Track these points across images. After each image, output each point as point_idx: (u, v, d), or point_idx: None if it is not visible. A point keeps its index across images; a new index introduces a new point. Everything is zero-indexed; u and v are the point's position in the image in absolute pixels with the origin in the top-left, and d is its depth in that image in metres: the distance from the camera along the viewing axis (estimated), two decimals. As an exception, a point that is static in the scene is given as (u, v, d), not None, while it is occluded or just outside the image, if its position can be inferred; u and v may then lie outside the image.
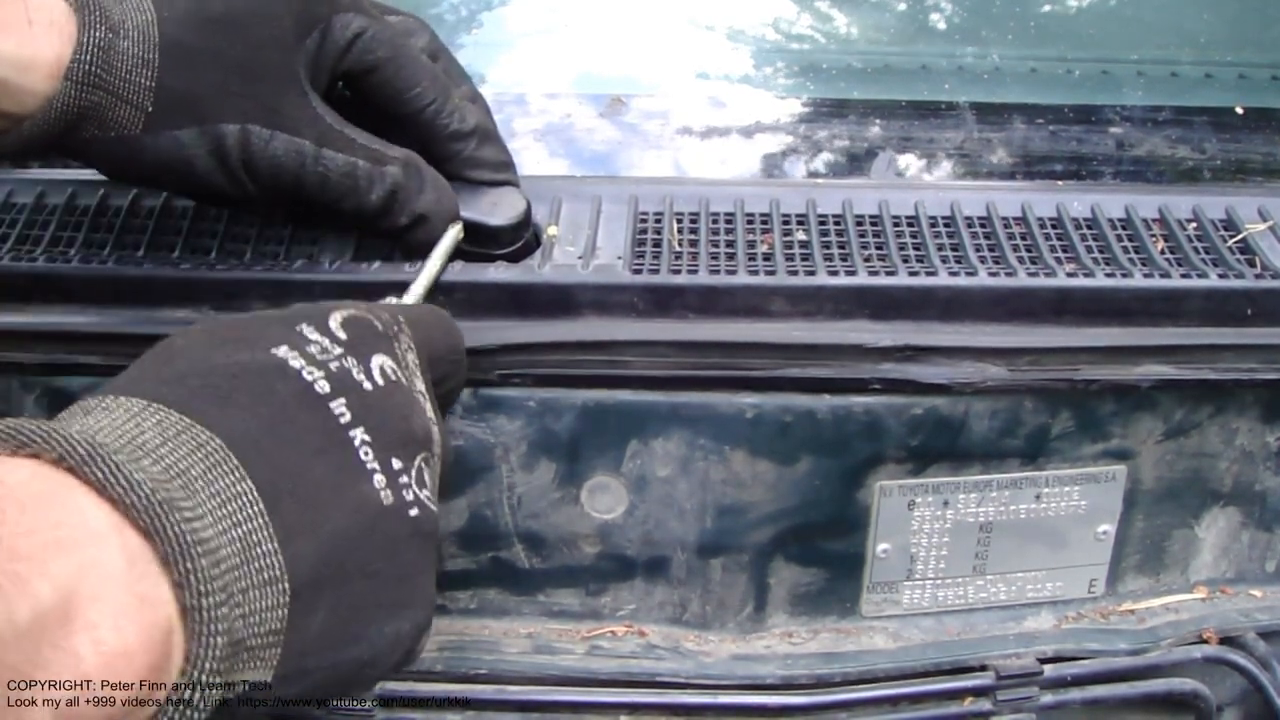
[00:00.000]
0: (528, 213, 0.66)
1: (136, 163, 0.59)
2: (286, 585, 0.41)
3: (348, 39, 0.60)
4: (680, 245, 0.67)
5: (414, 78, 0.62)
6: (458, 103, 0.64)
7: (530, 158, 0.81)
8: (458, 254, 0.65)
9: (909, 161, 0.81)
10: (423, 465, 0.48)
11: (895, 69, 0.95)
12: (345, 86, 0.64)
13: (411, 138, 0.64)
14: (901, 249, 0.67)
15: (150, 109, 0.57)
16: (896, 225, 0.69)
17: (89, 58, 0.55)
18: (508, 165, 0.67)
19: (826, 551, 0.69)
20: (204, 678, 0.38)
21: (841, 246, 0.67)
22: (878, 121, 0.87)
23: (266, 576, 0.41)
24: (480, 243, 0.65)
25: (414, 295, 0.60)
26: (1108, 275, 0.65)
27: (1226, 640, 0.70)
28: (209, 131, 0.58)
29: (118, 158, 0.59)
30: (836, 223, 0.69)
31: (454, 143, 0.64)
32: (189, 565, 0.37)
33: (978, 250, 0.67)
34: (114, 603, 0.35)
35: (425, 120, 0.63)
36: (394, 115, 0.63)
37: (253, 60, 0.58)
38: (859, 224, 0.69)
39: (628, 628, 0.71)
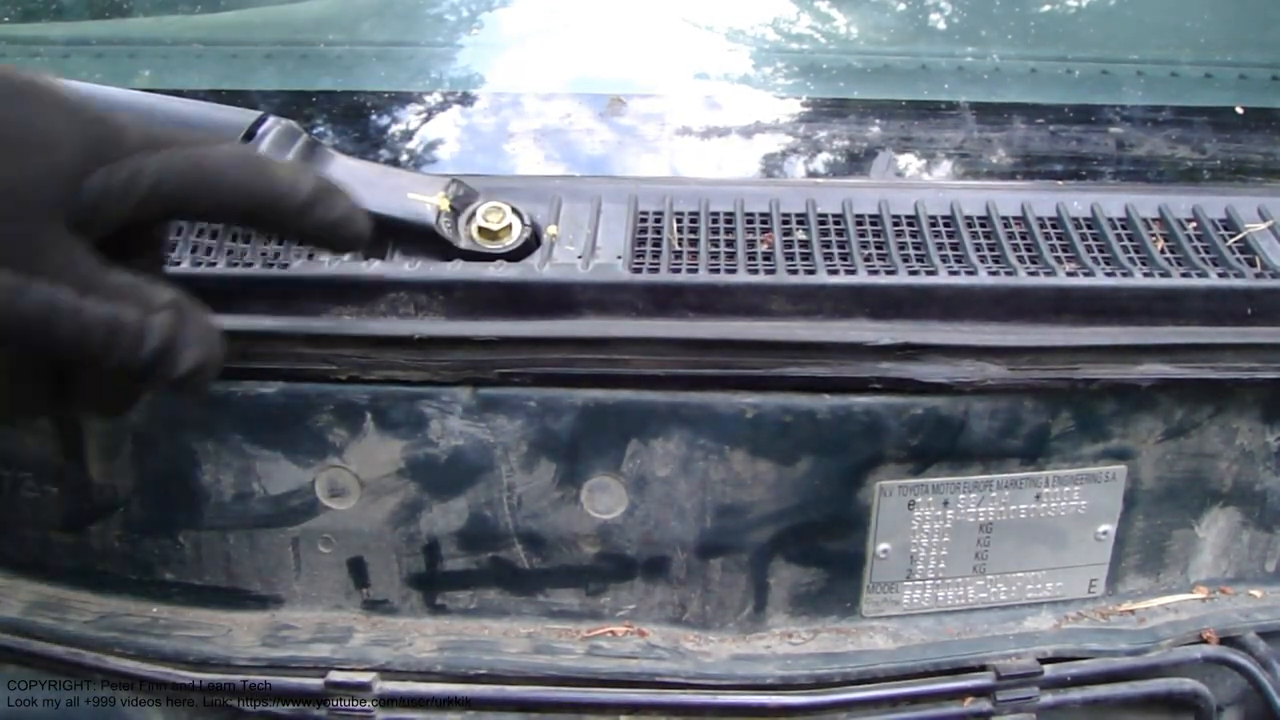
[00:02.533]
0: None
1: None
2: None
3: (143, 188, 0.51)
4: (680, 244, 0.67)
5: (233, 185, 0.54)
6: (284, 176, 0.56)
7: (530, 158, 0.81)
8: (457, 253, 0.65)
9: (909, 161, 0.81)
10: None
11: (895, 69, 0.95)
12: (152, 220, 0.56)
13: (250, 225, 0.59)
14: (901, 248, 0.67)
15: None
16: (896, 225, 0.69)
17: None
18: (354, 210, 0.58)
19: (826, 551, 0.69)
20: None
21: (841, 246, 0.67)
22: (878, 121, 0.87)
23: None
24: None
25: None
26: (1108, 275, 0.65)
27: (1226, 640, 0.70)
28: None
29: None
30: (836, 222, 0.69)
31: (305, 216, 0.56)
32: None
33: (978, 250, 0.67)
34: None
35: (267, 212, 0.55)
36: (223, 221, 0.58)
37: (18, 193, 0.48)
38: (859, 223, 0.69)
39: (628, 628, 0.71)
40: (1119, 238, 0.68)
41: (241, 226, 0.59)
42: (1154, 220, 0.70)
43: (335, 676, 0.65)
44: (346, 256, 0.66)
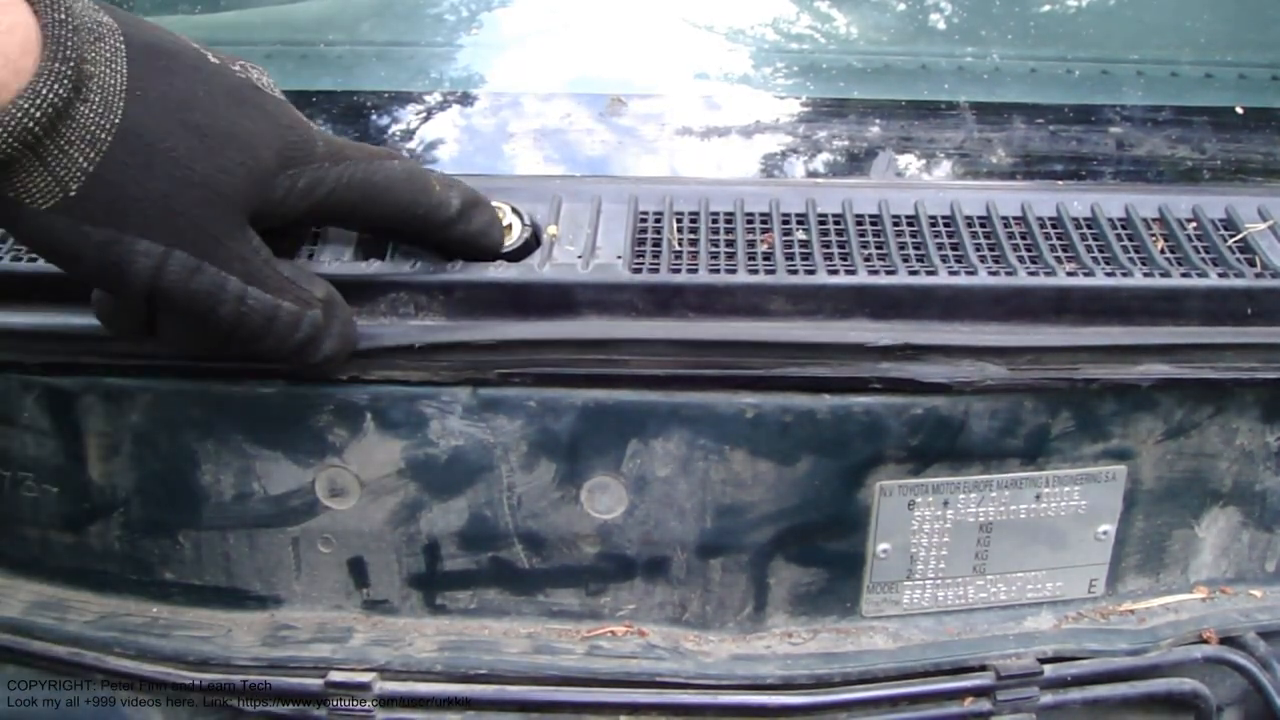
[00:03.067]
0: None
1: (25, 232, 0.51)
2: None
3: (319, 195, 0.57)
4: (680, 245, 0.67)
5: (395, 201, 0.60)
6: (439, 193, 0.61)
7: (530, 158, 0.81)
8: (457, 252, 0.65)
9: (909, 161, 0.81)
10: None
11: (895, 69, 0.95)
12: (318, 222, 0.62)
13: (399, 236, 0.64)
14: (901, 248, 0.67)
15: (73, 192, 0.49)
16: (896, 225, 0.69)
17: (35, 111, 0.47)
18: (497, 222, 0.65)
19: (826, 551, 0.69)
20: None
21: (841, 246, 0.67)
22: (878, 121, 0.87)
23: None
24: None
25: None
26: (1108, 274, 0.65)
27: (1226, 640, 0.70)
28: (122, 243, 0.51)
29: (5, 217, 0.51)
30: (836, 222, 0.69)
31: (448, 229, 0.62)
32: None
33: (978, 250, 0.67)
34: None
35: (416, 226, 0.62)
36: (380, 228, 0.63)
37: (214, 181, 0.52)
38: (859, 223, 0.69)
39: (628, 628, 0.71)
40: (1119, 238, 0.68)
41: (390, 236, 0.63)
42: (1154, 220, 0.70)
43: (335, 676, 0.65)
44: (347, 256, 0.66)
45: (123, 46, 0.50)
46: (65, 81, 0.48)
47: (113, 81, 0.50)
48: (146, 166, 0.50)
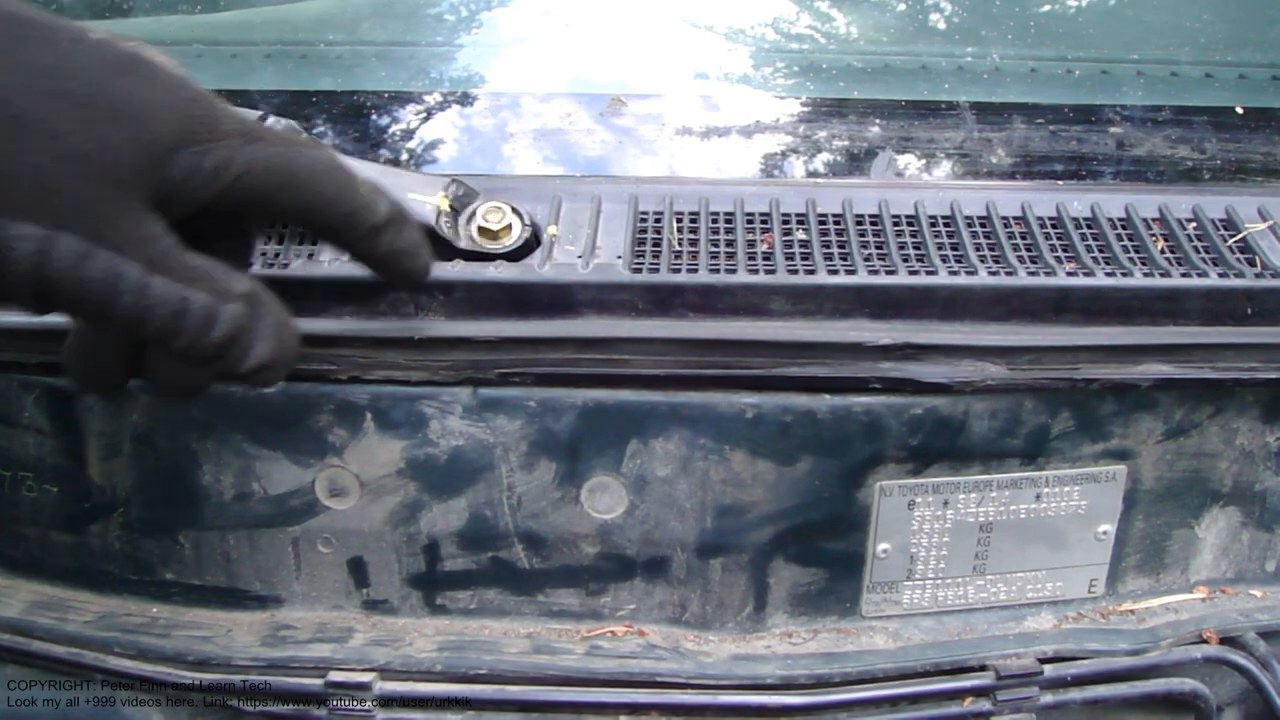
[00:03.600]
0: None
1: None
2: None
3: (229, 177, 0.51)
4: (680, 244, 0.67)
5: (317, 193, 0.54)
6: (366, 195, 0.56)
7: (530, 158, 0.81)
8: (457, 253, 0.65)
9: (909, 161, 0.81)
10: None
11: (895, 69, 0.95)
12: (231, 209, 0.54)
13: (320, 235, 0.58)
14: (901, 248, 0.67)
15: None
16: (896, 225, 0.69)
17: None
18: (422, 243, 0.59)
19: (826, 551, 0.69)
20: None
21: (841, 246, 0.67)
22: (878, 121, 0.87)
23: None
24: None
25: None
26: (1108, 274, 0.65)
27: (1226, 640, 0.70)
28: None
29: None
30: (836, 222, 0.69)
31: (374, 239, 0.56)
32: None
33: (978, 249, 0.67)
34: None
35: (339, 226, 0.56)
36: (296, 224, 0.57)
37: (98, 155, 0.47)
38: (859, 223, 0.69)
39: (628, 628, 0.71)
40: (1119, 238, 0.68)
41: (312, 233, 0.58)
42: (1154, 220, 0.70)
43: (335, 676, 0.65)
44: (347, 256, 0.66)
45: None
46: None
47: None
48: (14, 140, 0.45)
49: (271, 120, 0.64)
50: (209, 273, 0.51)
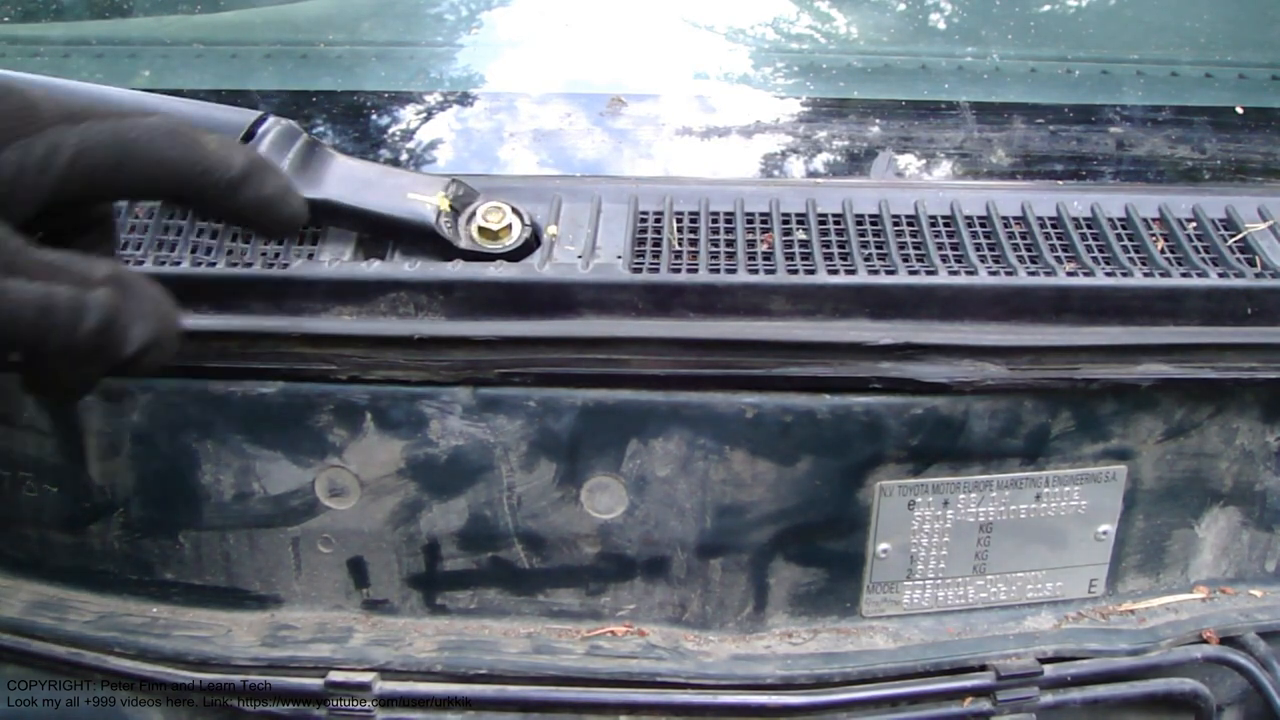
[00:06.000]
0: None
1: None
2: None
3: (62, 163, 0.48)
4: (680, 244, 0.67)
5: (161, 159, 0.51)
6: (215, 150, 0.53)
7: (530, 158, 0.81)
8: (457, 253, 0.65)
9: (909, 161, 0.81)
10: None
11: (895, 69, 0.95)
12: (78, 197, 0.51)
13: (180, 203, 0.56)
14: (901, 248, 0.67)
15: None
16: (896, 224, 0.69)
17: None
18: (288, 189, 0.56)
19: (826, 551, 0.69)
20: None
21: (841, 246, 0.67)
22: (878, 121, 0.87)
23: None
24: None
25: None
26: (1108, 274, 0.65)
27: (1226, 640, 0.70)
28: None
29: None
30: (836, 222, 0.69)
31: (235, 194, 0.53)
32: None
33: (978, 249, 0.67)
34: None
35: (195, 187, 0.52)
36: (151, 198, 0.55)
37: None
38: (859, 223, 0.69)
39: (628, 628, 0.71)
40: (1119, 238, 0.68)
41: (170, 204, 0.56)
42: (1154, 220, 0.70)
43: (335, 676, 0.65)
44: (347, 256, 0.66)
45: None
46: None
47: None
48: None
49: (271, 120, 0.64)
50: (67, 264, 0.48)
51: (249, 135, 0.63)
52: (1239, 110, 0.89)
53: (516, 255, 0.66)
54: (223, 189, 0.52)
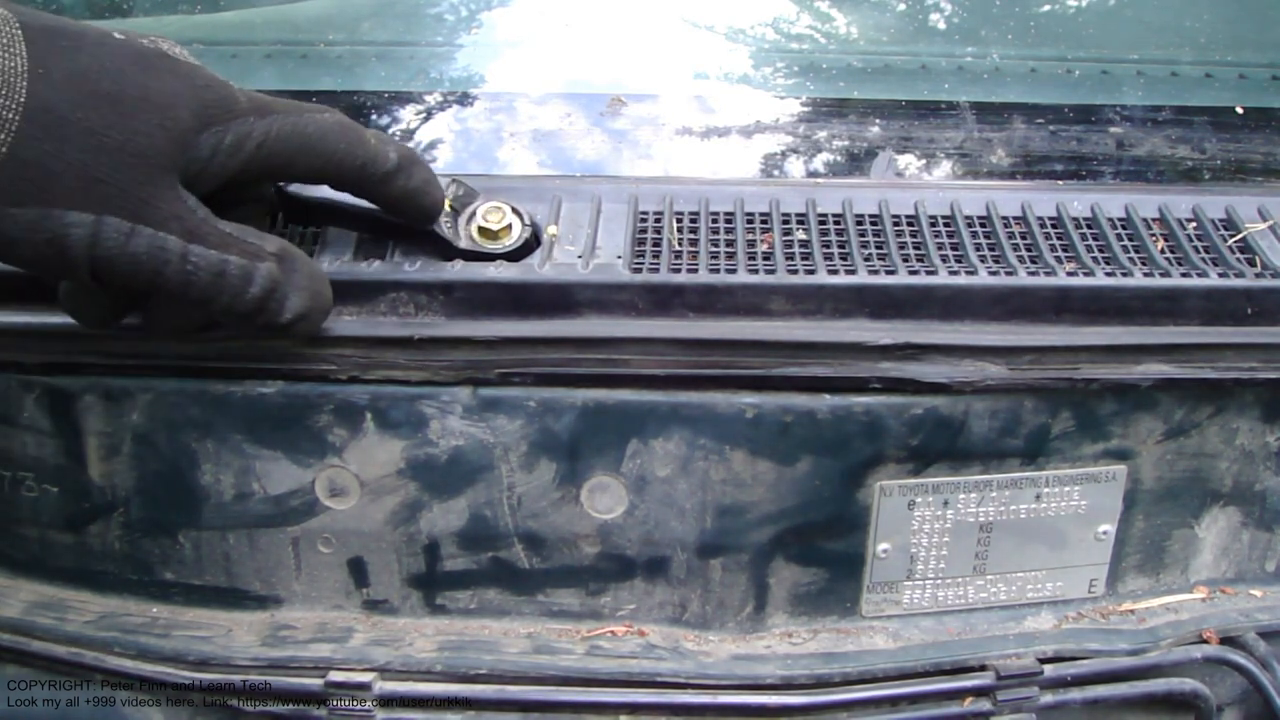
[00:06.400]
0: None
1: None
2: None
3: (249, 149, 0.57)
4: (680, 244, 0.67)
5: (330, 151, 0.60)
6: (375, 146, 0.61)
7: (530, 158, 0.81)
8: (457, 253, 0.65)
9: (909, 161, 0.81)
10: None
11: (895, 69, 0.95)
12: (255, 177, 0.60)
13: (341, 189, 0.63)
14: (901, 248, 0.67)
15: None
16: (896, 224, 0.69)
17: None
18: (432, 181, 0.65)
19: (826, 551, 0.69)
20: None
21: (841, 246, 0.67)
22: (878, 121, 0.87)
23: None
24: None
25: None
26: (1108, 274, 0.65)
27: (1226, 640, 0.70)
28: (51, 219, 0.52)
29: None
30: (836, 222, 0.69)
31: (388, 184, 0.62)
32: None
33: (978, 249, 0.67)
34: None
35: (354, 177, 0.61)
36: (317, 182, 0.62)
37: (131, 145, 0.53)
38: (859, 223, 0.69)
39: (628, 628, 0.71)
40: (1119, 238, 0.68)
41: (333, 188, 0.63)
42: (1154, 220, 0.70)
43: (335, 676, 0.65)
44: (347, 256, 0.66)
45: (19, 32, 0.52)
46: None
47: (11, 64, 0.51)
48: (61, 139, 0.51)
49: None
50: (242, 237, 0.57)
51: None
52: (1239, 110, 0.89)
53: (516, 255, 0.66)
54: (378, 180, 0.62)
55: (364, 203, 0.65)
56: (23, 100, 0.50)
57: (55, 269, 0.54)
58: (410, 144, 0.82)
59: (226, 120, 0.56)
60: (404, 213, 0.64)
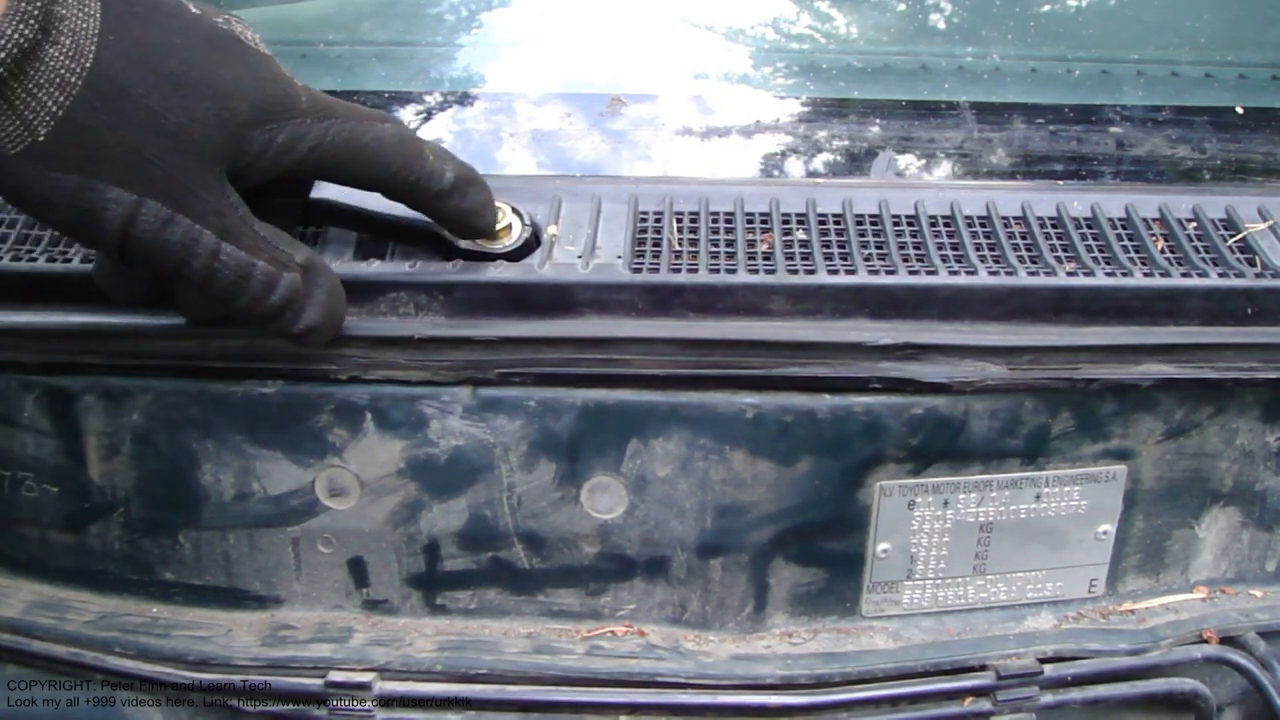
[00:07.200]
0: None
1: None
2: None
3: (301, 151, 0.56)
4: (680, 244, 0.67)
5: (385, 164, 0.59)
6: (432, 163, 0.61)
7: (530, 158, 0.81)
8: (457, 253, 0.65)
9: (909, 161, 0.81)
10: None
11: (895, 69, 0.95)
12: (305, 177, 0.61)
13: (394, 199, 0.62)
14: (901, 248, 0.67)
15: (41, 137, 0.49)
16: (896, 224, 0.69)
17: (2, 54, 0.47)
18: (492, 205, 0.64)
19: (826, 551, 0.69)
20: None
21: (841, 246, 0.67)
22: (878, 121, 0.87)
23: None
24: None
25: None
26: (1108, 274, 0.65)
27: (1226, 640, 0.70)
28: (94, 190, 0.50)
29: None
30: (836, 222, 0.69)
31: (440, 202, 0.62)
32: None
33: (978, 249, 0.67)
34: None
35: (406, 192, 0.61)
36: (370, 189, 0.61)
37: (186, 131, 0.51)
38: (859, 223, 0.69)
39: (628, 628, 0.71)
40: (1119, 238, 0.68)
41: (386, 197, 0.62)
42: (1154, 220, 0.70)
43: (335, 676, 0.65)
44: (347, 256, 0.66)
45: None
46: (31, 22, 0.47)
47: (84, 25, 0.49)
48: (118, 113, 0.50)
49: None
50: (273, 242, 0.56)
51: None
52: (1239, 110, 0.89)
53: (516, 255, 0.66)
54: (430, 197, 0.61)
55: (364, 203, 0.65)
56: (89, 65, 0.49)
57: (86, 238, 0.54)
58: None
59: (284, 119, 0.55)
60: (455, 230, 0.64)
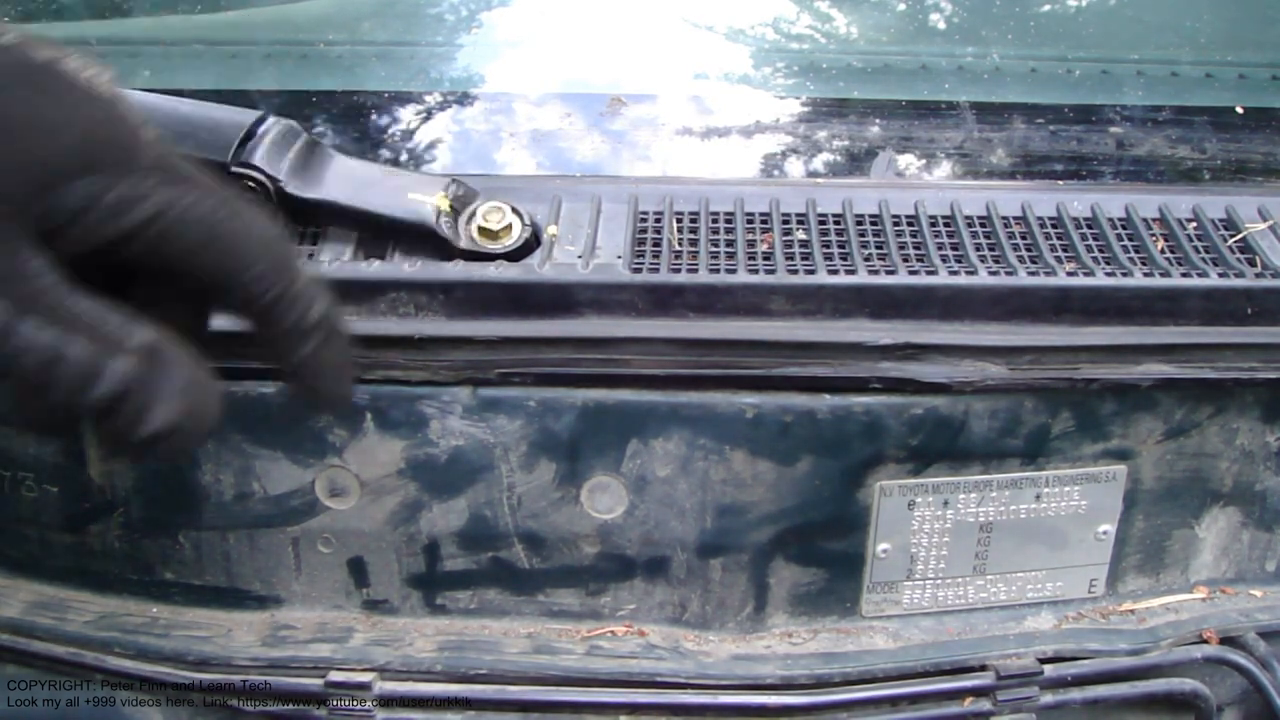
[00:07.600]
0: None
1: None
2: None
3: (139, 218, 0.43)
4: (680, 244, 0.67)
5: (243, 264, 0.45)
6: (302, 286, 0.47)
7: (530, 158, 0.81)
8: (457, 252, 0.65)
9: (909, 161, 0.81)
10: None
11: (895, 69, 0.95)
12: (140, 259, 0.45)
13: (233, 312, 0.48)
14: (901, 248, 0.67)
15: None
16: (896, 224, 0.69)
17: None
18: (347, 370, 0.51)
19: (826, 551, 0.69)
20: None
21: (841, 246, 0.67)
22: (878, 121, 0.87)
23: None
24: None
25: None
26: (1108, 274, 0.65)
27: (1226, 640, 0.70)
28: None
29: None
30: (836, 222, 0.69)
31: (295, 339, 0.47)
32: None
33: (978, 249, 0.67)
34: None
35: (258, 310, 0.47)
36: (211, 289, 0.47)
37: None
38: (859, 223, 0.69)
39: (628, 628, 0.71)
40: (1119, 238, 0.68)
41: (221, 304, 0.49)
42: (1154, 220, 0.70)
43: (335, 676, 0.65)
44: (347, 256, 0.66)
45: None
46: None
47: None
48: None
49: (271, 120, 0.64)
50: (99, 320, 0.42)
51: (249, 134, 0.63)
52: (1239, 110, 0.89)
53: (516, 255, 0.66)
54: (287, 328, 0.48)
55: (365, 203, 0.64)
56: None
57: None
58: (410, 144, 0.82)
59: (116, 172, 0.43)
60: (299, 382, 0.49)
